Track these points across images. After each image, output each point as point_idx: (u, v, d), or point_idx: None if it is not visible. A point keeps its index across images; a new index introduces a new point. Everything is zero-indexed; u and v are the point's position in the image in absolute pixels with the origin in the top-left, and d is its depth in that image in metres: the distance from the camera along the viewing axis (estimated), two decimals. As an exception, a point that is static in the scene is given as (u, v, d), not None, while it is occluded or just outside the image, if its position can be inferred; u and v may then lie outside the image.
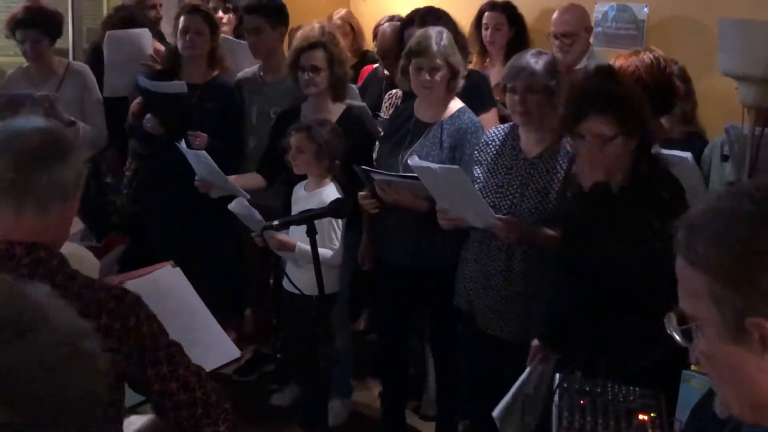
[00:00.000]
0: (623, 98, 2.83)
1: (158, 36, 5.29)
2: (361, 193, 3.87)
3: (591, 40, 4.85)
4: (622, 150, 2.83)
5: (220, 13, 5.51)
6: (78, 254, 2.75)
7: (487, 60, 5.12)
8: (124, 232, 4.10)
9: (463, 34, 4.30)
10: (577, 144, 2.89)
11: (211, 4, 5.45)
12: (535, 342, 3.13)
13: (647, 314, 2.73)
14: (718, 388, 1.13)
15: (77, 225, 4.10)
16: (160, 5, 5.85)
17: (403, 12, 4.85)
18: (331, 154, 3.96)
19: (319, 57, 4.16)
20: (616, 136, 2.79)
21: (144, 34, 4.90)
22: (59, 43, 4.96)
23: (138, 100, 4.62)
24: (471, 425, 3.92)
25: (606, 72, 3.04)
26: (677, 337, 1.15)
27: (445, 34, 3.79)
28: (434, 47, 3.71)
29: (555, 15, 4.75)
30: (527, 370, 3.08)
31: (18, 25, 4.61)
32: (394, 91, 4.61)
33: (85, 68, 4.94)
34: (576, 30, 4.65)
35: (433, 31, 3.80)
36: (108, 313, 1.82)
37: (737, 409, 1.12)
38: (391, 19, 5.28)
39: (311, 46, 4.20)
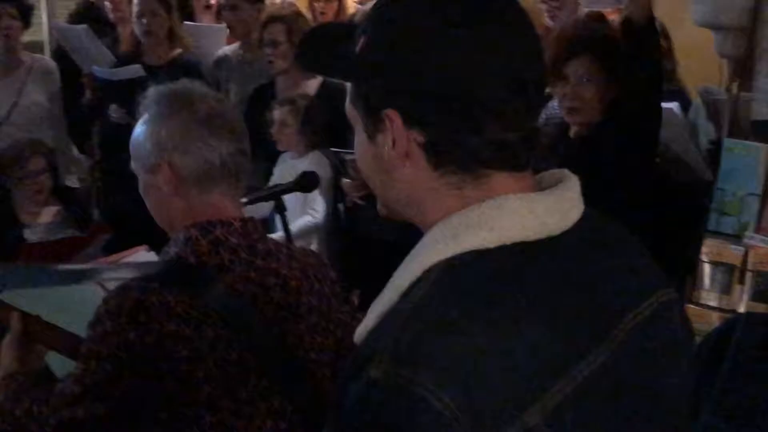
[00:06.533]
0: (611, 40, 2.79)
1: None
2: (345, 180, 3.78)
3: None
4: (598, 94, 2.80)
5: None
6: None
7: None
8: (107, 222, 4.05)
9: None
10: (560, 87, 2.84)
11: None
12: None
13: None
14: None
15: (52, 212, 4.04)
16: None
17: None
18: (314, 127, 3.88)
19: (277, 31, 4.03)
20: (599, 77, 2.77)
21: (83, 31, 4.61)
22: (33, 35, 4.85)
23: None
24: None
25: (597, 17, 2.99)
26: None
27: None
28: None
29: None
30: None
31: None
32: None
33: (53, 65, 4.80)
34: None
35: None
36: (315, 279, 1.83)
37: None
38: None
39: (270, 20, 4.09)
